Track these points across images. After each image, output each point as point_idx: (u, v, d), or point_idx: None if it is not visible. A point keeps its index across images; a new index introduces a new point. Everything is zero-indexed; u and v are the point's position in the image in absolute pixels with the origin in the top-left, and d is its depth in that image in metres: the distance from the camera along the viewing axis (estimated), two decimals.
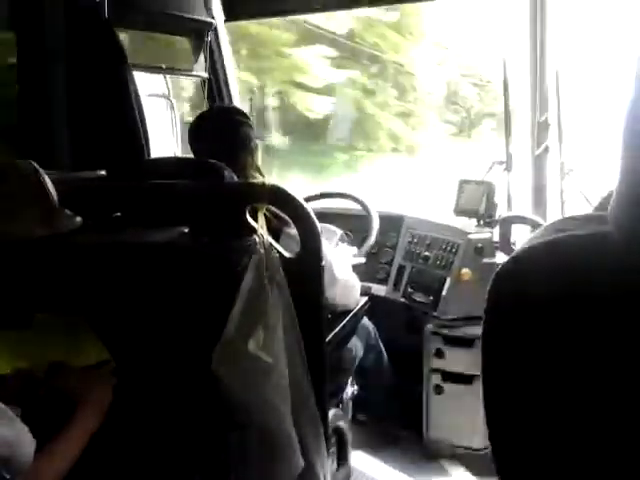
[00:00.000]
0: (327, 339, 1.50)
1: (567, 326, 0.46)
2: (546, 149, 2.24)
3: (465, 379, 2.00)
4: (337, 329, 1.65)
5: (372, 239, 2.10)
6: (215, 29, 2.43)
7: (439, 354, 2.08)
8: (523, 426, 0.50)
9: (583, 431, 0.46)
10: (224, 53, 2.48)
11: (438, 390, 2.09)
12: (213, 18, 2.42)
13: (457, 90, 8.27)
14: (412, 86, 8.02)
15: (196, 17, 2.36)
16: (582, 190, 2.14)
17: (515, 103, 2.38)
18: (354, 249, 2.03)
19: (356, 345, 1.91)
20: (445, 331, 2.07)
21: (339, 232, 1.97)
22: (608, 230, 0.46)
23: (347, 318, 1.72)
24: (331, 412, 1.63)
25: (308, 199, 2.25)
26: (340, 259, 1.73)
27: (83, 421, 1.02)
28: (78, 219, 1.23)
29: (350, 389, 1.91)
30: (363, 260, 2.03)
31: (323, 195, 2.39)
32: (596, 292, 0.45)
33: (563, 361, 0.47)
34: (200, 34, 2.41)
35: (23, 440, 0.90)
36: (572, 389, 0.46)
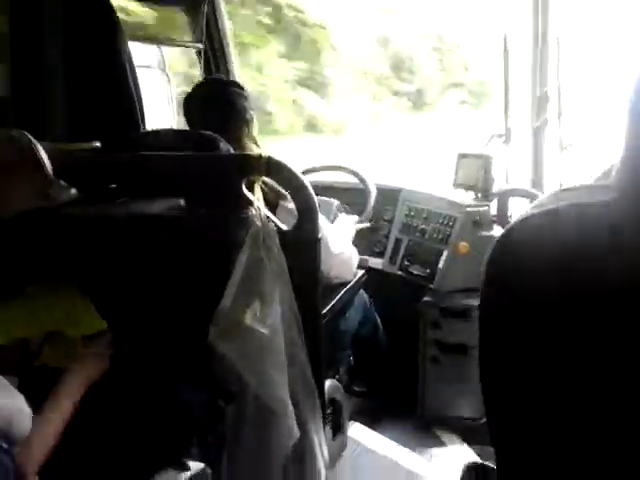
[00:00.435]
0: (323, 311, 1.51)
1: (565, 296, 0.46)
2: (545, 122, 2.22)
3: (461, 349, 2.02)
4: (333, 301, 1.66)
5: (369, 208, 2.11)
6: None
7: (435, 325, 2.09)
8: (518, 395, 0.51)
9: (577, 401, 0.46)
10: (221, 24, 2.44)
11: (434, 360, 2.11)
12: None
13: (410, 55, 7.42)
14: (331, 46, 6.84)
15: None
16: (581, 164, 2.14)
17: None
18: (355, 217, 2.03)
19: (352, 317, 1.92)
20: (442, 303, 2.08)
21: (336, 203, 1.97)
22: (611, 198, 0.46)
23: (343, 290, 1.73)
24: (327, 383, 1.65)
25: (305, 172, 2.24)
26: (337, 232, 1.73)
27: (65, 390, 1.02)
28: (73, 190, 1.22)
29: (346, 360, 1.93)
30: (368, 224, 2.05)
31: (321, 168, 2.38)
32: (597, 260, 0.45)
33: (560, 332, 0.47)
34: (196, 4, 2.37)
35: (21, 410, 0.91)
36: (568, 360, 0.46)
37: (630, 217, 0.44)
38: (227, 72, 2.46)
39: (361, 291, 1.99)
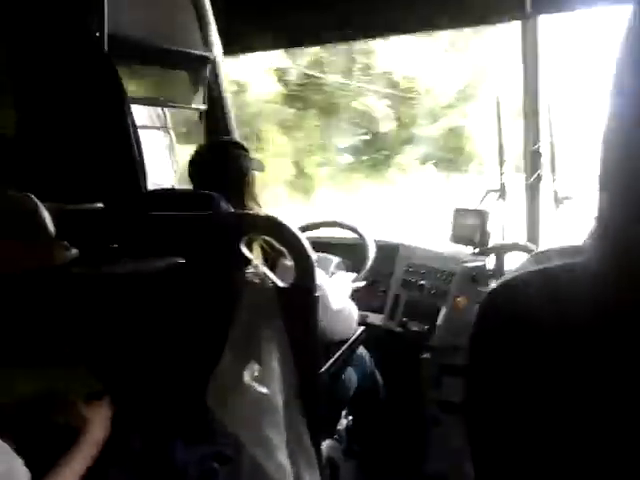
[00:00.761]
0: (322, 369, 1.50)
1: (550, 355, 0.47)
2: (539, 178, 2.27)
3: (462, 409, 1.99)
4: (333, 359, 1.65)
5: (369, 263, 2.12)
6: (214, 63, 2.49)
7: (436, 383, 2.07)
8: (508, 454, 0.51)
9: (568, 458, 0.47)
10: (222, 86, 2.53)
11: (435, 421, 2.07)
12: (211, 52, 2.47)
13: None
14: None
15: (195, 52, 2.42)
16: (577, 218, 2.16)
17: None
18: (352, 274, 2.04)
19: (352, 375, 1.90)
20: (441, 360, 2.06)
21: (335, 260, 1.98)
22: (580, 261, 0.48)
23: (343, 348, 1.72)
24: (325, 443, 1.63)
25: (304, 229, 2.27)
26: (336, 289, 1.74)
27: (81, 452, 1.02)
28: (74, 251, 1.24)
29: (345, 420, 1.90)
30: (363, 283, 2.05)
31: (320, 224, 2.41)
32: (570, 321, 0.47)
33: (549, 389, 0.48)
34: (199, 68, 2.46)
35: (16, 473, 0.90)
36: (557, 415, 0.47)
37: (595, 284, 0.46)
38: (228, 133, 2.53)
39: (361, 348, 1.98)
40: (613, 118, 0.46)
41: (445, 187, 6.87)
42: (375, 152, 7.37)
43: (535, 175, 2.26)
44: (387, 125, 7.18)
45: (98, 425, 1.07)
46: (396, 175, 7.24)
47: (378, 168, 7.36)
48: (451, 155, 7.27)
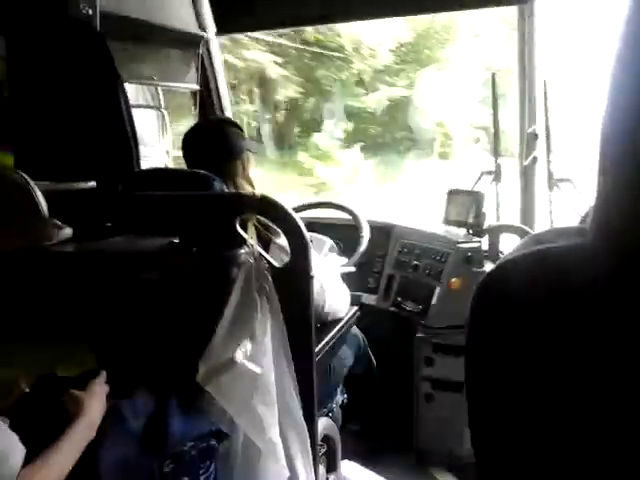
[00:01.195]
0: (316, 349, 1.51)
1: (547, 333, 0.48)
2: (534, 160, 2.27)
3: (455, 386, 2.01)
4: (327, 338, 1.66)
5: (362, 248, 2.12)
6: (207, 42, 2.46)
7: (429, 362, 2.09)
8: (507, 432, 0.51)
9: (567, 437, 0.47)
10: (216, 65, 2.51)
11: (428, 398, 2.10)
12: (205, 31, 2.45)
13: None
14: None
15: (188, 30, 2.39)
16: (571, 200, 2.17)
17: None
18: (343, 259, 2.04)
19: (346, 354, 1.92)
20: (435, 339, 2.08)
21: (329, 241, 1.98)
22: (584, 242, 0.48)
23: (337, 328, 1.73)
24: (321, 421, 1.64)
25: (298, 209, 2.27)
26: (329, 269, 1.74)
27: (77, 433, 1.02)
28: (68, 230, 1.24)
29: (340, 398, 1.92)
30: (353, 269, 2.05)
31: (313, 205, 2.41)
32: (571, 301, 0.47)
33: (545, 367, 0.48)
34: (192, 46, 2.43)
35: (13, 448, 0.90)
36: (556, 395, 0.47)
37: (601, 262, 0.46)
38: (222, 112, 2.51)
39: (355, 328, 1.99)
40: (613, 106, 0.46)
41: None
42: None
43: (531, 157, 2.26)
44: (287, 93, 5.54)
45: (94, 407, 1.07)
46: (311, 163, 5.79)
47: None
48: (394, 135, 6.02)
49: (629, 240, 0.44)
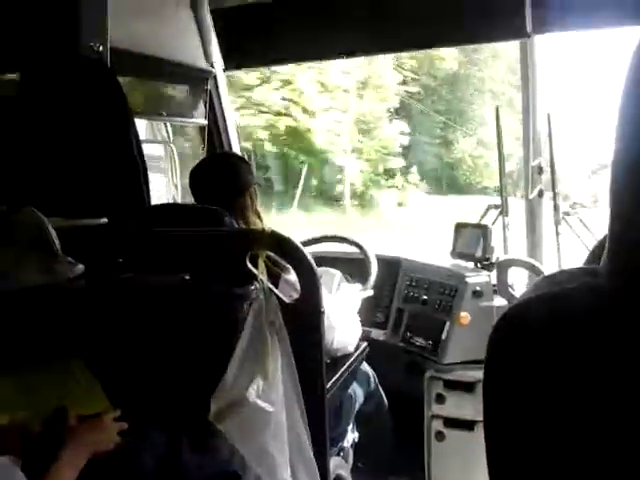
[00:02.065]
0: (328, 385, 1.49)
1: (564, 373, 0.47)
2: (540, 193, 2.28)
3: (467, 425, 1.98)
4: (337, 375, 1.64)
5: (372, 280, 2.11)
6: (215, 77, 2.50)
7: (440, 399, 2.06)
8: (527, 472, 0.51)
9: (590, 476, 0.46)
10: (223, 100, 2.54)
11: (439, 437, 2.06)
12: (213, 67, 2.49)
13: None
14: None
15: (196, 66, 2.43)
16: (579, 233, 2.17)
17: None
18: (358, 285, 2.03)
19: (356, 391, 1.89)
20: (445, 376, 2.05)
21: (338, 274, 1.98)
22: (599, 282, 0.48)
23: (347, 364, 1.71)
24: (332, 460, 1.61)
25: (306, 243, 2.27)
26: (340, 304, 1.73)
27: (70, 459, 0.99)
28: (80, 266, 1.24)
29: (351, 436, 1.89)
30: (371, 292, 2.04)
31: (321, 239, 2.40)
32: (586, 341, 0.47)
33: (564, 407, 0.48)
34: (200, 82, 2.47)
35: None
36: (577, 435, 0.47)
37: (616, 306, 0.46)
38: (230, 147, 2.53)
39: (365, 365, 1.97)
40: (622, 145, 0.46)
41: None
42: None
43: (536, 190, 2.27)
44: None
45: (91, 436, 1.04)
46: None
47: None
48: None
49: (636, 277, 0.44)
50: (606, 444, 0.45)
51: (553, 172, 2.25)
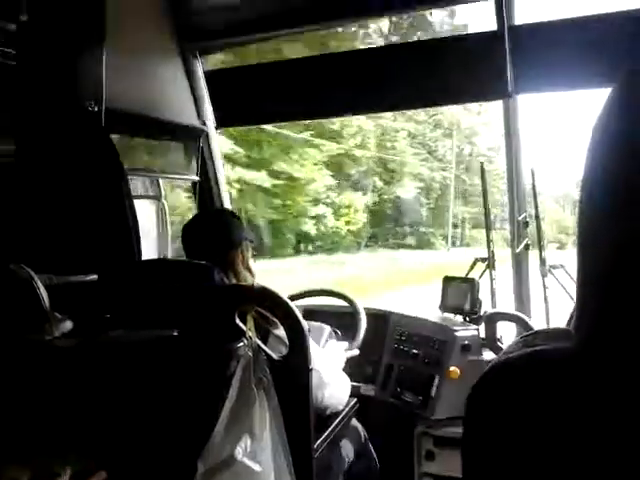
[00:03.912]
0: (316, 444, 1.47)
1: (538, 431, 0.49)
2: (526, 247, 2.31)
3: None
4: (326, 433, 1.62)
5: (361, 333, 2.11)
6: (207, 135, 2.56)
7: (430, 456, 2.02)
8: None
9: None
10: (215, 157, 2.60)
11: None
12: (205, 124, 2.56)
13: None
14: None
15: (189, 124, 2.49)
16: (566, 285, 2.19)
17: None
18: (345, 343, 2.03)
19: (346, 447, 1.86)
20: (435, 432, 2.02)
21: (327, 329, 1.98)
22: (568, 345, 0.51)
23: (336, 421, 1.69)
24: None
25: (294, 297, 2.27)
26: (329, 360, 1.72)
27: None
28: (68, 323, 1.24)
29: None
30: (357, 352, 2.03)
31: (309, 292, 2.41)
32: (559, 400, 0.49)
33: (540, 462, 0.49)
34: (193, 140, 2.53)
35: None
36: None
37: (584, 366, 0.48)
38: (221, 203, 2.57)
39: (354, 421, 1.95)
40: (587, 207, 0.50)
41: None
42: None
43: (522, 244, 2.30)
44: None
45: None
46: None
47: None
48: None
49: (607, 347, 0.47)
50: None
51: (539, 226, 2.30)
